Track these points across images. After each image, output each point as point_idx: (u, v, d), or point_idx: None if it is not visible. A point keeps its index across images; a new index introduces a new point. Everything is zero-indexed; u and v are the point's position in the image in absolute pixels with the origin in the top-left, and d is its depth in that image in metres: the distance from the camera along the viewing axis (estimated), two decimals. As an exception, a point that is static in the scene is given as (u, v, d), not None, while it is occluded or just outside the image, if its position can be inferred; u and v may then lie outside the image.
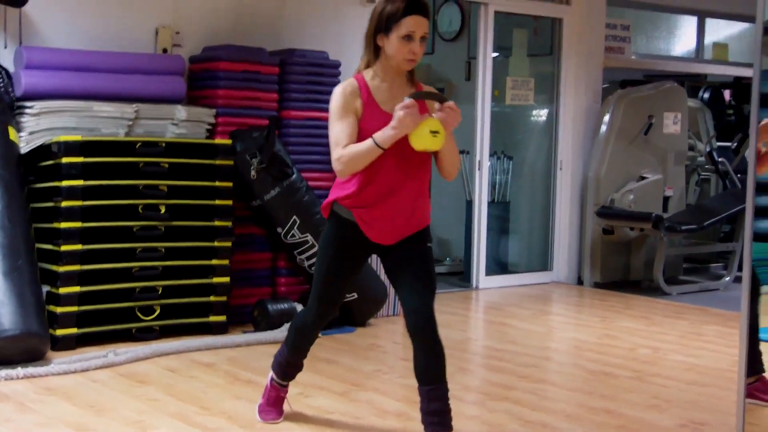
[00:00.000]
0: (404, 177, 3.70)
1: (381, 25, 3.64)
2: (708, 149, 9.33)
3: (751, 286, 4.71)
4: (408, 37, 3.61)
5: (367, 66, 3.74)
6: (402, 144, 3.56)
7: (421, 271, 3.74)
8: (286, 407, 4.31)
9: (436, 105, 3.59)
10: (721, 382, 5.21)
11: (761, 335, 4.89)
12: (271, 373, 4.26)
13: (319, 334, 5.95)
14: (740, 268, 4.04)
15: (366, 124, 3.65)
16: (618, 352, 5.96)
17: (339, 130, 3.64)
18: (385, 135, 3.53)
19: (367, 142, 3.56)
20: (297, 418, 4.32)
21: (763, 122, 4.66)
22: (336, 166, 3.63)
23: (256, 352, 5.60)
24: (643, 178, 8.69)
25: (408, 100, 3.50)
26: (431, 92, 3.68)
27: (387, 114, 3.64)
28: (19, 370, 4.90)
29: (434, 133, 3.49)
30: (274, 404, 4.28)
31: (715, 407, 4.74)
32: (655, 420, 4.51)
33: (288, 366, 4.19)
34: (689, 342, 6.34)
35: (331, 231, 3.86)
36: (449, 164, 3.74)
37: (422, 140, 3.51)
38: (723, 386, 5.11)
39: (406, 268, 3.75)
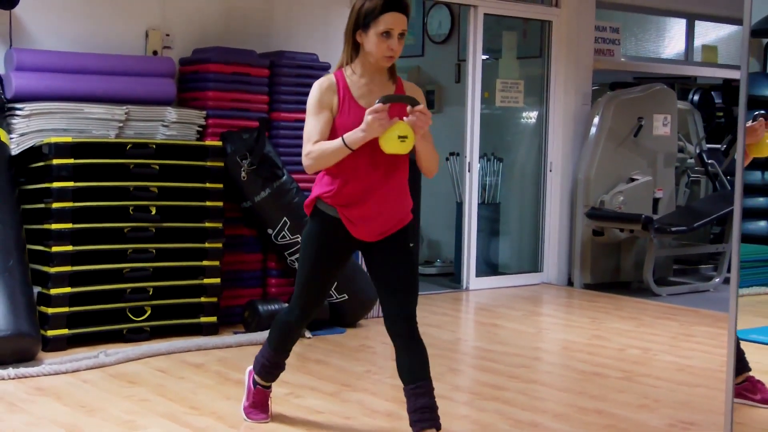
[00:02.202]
0: (380, 176, 3.73)
1: (359, 22, 3.66)
2: (698, 151, 9.36)
3: None
4: (386, 34, 3.63)
5: (347, 62, 3.75)
6: (375, 144, 3.59)
7: (403, 271, 3.77)
8: (271, 407, 4.32)
9: (408, 108, 3.60)
10: (710, 383, 5.23)
11: (742, 335, 4.90)
12: (251, 375, 4.27)
13: (310, 335, 5.99)
14: (730, 270, 4.05)
15: (342, 119, 3.69)
16: (608, 353, 5.98)
17: (311, 125, 3.69)
18: (354, 136, 3.58)
19: (337, 142, 3.61)
20: (287, 417, 4.33)
21: (748, 124, 4.68)
22: (304, 161, 3.69)
23: (246, 353, 5.60)
24: (632, 179, 8.72)
25: (377, 105, 3.53)
26: (402, 96, 3.70)
27: (364, 109, 3.64)
28: (10, 371, 4.91)
29: (402, 138, 3.52)
30: (259, 405, 4.28)
31: (705, 407, 4.76)
32: (644, 420, 4.53)
33: (271, 366, 4.19)
34: (679, 343, 6.37)
35: (315, 228, 3.86)
36: (426, 163, 3.77)
37: (391, 144, 3.54)
38: (712, 386, 5.13)
39: (387, 268, 3.77)
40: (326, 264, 3.89)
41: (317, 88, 3.72)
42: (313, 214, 3.86)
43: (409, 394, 3.71)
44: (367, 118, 3.52)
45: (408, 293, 3.74)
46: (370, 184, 3.72)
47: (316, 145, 3.65)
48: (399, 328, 3.70)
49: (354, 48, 3.72)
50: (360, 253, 3.97)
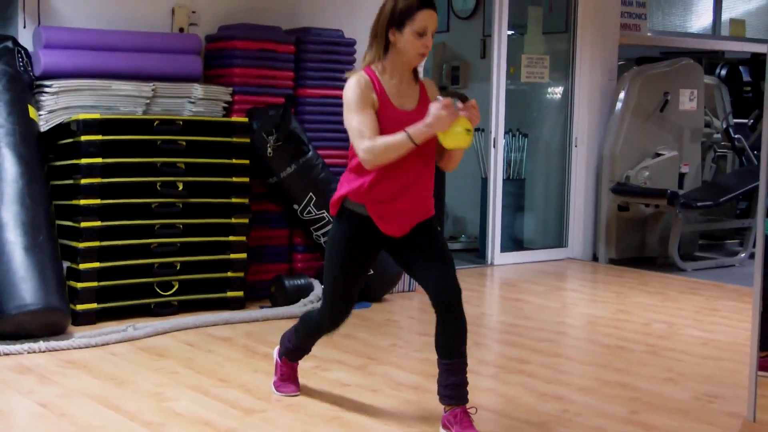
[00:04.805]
0: (419, 170, 3.72)
1: (394, 20, 3.64)
2: (724, 126, 9.31)
3: None
4: (421, 33, 3.64)
5: (375, 60, 3.72)
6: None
7: (438, 252, 3.76)
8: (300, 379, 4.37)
9: (459, 104, 3.63)
10: (734, 356, 5.24)
11: None
12: (277, 350, 4.33)
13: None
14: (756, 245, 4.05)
15: (381, 119, 3.66)
16: (632, 327, 5.99)
17: (361, 121, 3.61)
18: (419, 131, 3.54)
19: (401, 136, 3.55)
20: (314, 390, 4.37)
21: None
22: (365, 156, 3.58)
23: (272, 327, 5.65)
24: (658, 155, 8.69)
25: (444, 99, 3.55)
26: (457, 92, 3.74)
27: (399, 110, 3.69)
28: (41, 344, 4.98)
29: (468, 131, 3.56)
30: (289, 379, 4.33)
31: (729, 380, 4.77)
32: (668, 393, 4.54)
33: (296, 350, 4.25)
34: (704, 317, 6.37)
35: (341, 229, 3.81)
36: (455, 161, 3.83)
37: (456, 138, 3.56)
38: (737, 360, 5.13)
39: (421, 253, 3.76)
40: (355, 266, 3.87)
41: (356, 85, 3.64)
42: (340, 214, 3.80)
43: (442, 368, 3.74)
44: (440, 113, 3.50)
45: (447, 265, 3.73)
46: (409, 179, 3.71)
47: (377, 140, 3.57)
48: (445, 299, 3.66)
49: (385, 46, 3.69)
50: (386, 251, 3.91)
